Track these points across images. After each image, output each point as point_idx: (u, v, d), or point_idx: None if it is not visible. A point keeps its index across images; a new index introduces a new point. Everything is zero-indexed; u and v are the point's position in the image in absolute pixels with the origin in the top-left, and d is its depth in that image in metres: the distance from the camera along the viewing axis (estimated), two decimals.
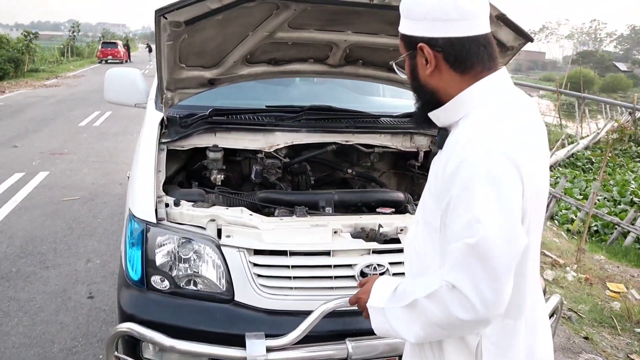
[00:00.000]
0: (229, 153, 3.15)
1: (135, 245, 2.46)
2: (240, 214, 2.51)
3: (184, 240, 2.41)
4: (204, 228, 2.46)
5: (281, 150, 3.14)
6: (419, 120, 1.59)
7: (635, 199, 9.40)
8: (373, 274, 2.43)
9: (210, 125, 3.00)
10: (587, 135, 18.18)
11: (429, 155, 3.41)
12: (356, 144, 3.23)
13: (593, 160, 13.49)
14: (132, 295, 2.43)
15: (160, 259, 2.43)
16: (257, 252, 2.39)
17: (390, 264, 2.47)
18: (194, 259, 2.42)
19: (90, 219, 5.88)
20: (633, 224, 7.59)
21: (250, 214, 2.51)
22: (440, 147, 1.47)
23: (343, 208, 2.87)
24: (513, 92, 1.46)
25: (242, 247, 2.37)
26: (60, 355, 3.38)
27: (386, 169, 3.73)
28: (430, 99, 1.48)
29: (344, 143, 3.19)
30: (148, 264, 2.42)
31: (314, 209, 2.74)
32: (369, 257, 2.47)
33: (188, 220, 2.50)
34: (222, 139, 3.06)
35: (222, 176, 3.02)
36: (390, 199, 2.91)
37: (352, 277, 2.45)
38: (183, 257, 2.42)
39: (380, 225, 2.55)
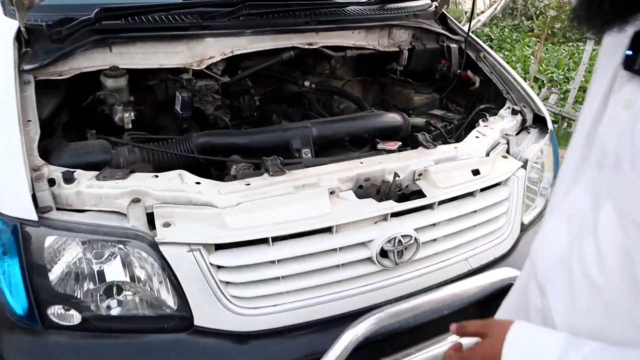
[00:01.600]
0: (136, 76, 2.06)
1: (7, 256, 1.45)
2: (180, 182, 1.54)
3: (91, 240, 1.44)
4: (123, 215, 1.48)
5: (216, 66, 2.10)
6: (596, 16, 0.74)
7: (539, 76, 9.17)
8: (398, 251, 1.63)
9: (100, 36, 1.89)
10: (483, 12, 17.91)
11: (412, 56, 2.53)
12: (322, 47, 2.26)
13: (492, 37, 13.24)
14: (19, 342, 1.47)
15: (56, 275, 1.45)
16: (220, 246, 1.49)
17: (417, 230, 1.67)
18: (116, 270, 1.47)
19: None
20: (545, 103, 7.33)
21: (197, 182, 1.55)
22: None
23: (324, 148, 1.97)
24: None
25: (195, 243, 1.45)
26: None
27: (350, 76, 2.80)
28: None
29: (306, 47, 2.21)
30: (37, 286, 1.44)
31: (283, 153, 1.82)
32: (387, 225, 1.64)
33: (93, 203, 1.50)
34: (122, 55, 1.97)
35: (132, 114, 1.96)
36: (390, 126, 2.05)
37: (369, 260, 1.64)
38: (96, 268, 1.46)
39: (396, 174, 1.70)
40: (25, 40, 1.86)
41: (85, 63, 1.92)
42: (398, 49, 2.45)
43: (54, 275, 1.44)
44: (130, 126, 1.95)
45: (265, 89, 2.57)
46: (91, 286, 1.46)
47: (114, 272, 1.46)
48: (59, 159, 1.66)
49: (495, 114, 2.18)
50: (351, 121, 2.01)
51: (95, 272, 1.46)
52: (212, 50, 2.05)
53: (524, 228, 2.01)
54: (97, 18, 1.88)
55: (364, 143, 2.04)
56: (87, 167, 1.63)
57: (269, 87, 2.59)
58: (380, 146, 1.88)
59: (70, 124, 2.13)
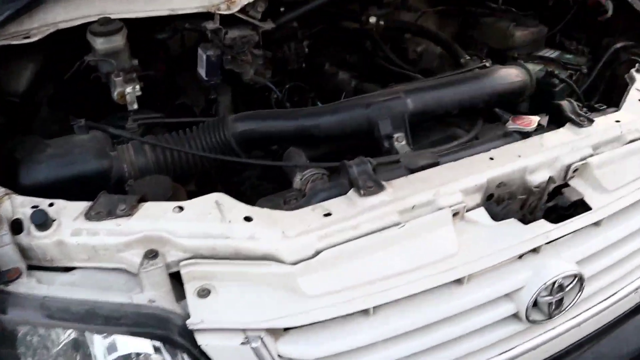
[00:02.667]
0: (139, 28, 1.42)
1: None
2: (220, 219, 0.95)
3: (85, 338, 0.88)
4: (133, 274, 0.92)
5: (254, 7, 1.43)
6: None
7: None
8: (557, 300, 1.05)
9: None
10: None
11: None
12: None
13: None
14: None
15: None
16: (291, 329, 0.92)
17: (580, 263, 1.08)
18: None
19: None
20: None
21: (247, 216, 0.96)
22: None
23: (423, 129, 1.34)
24: None
25: (254, 329, 0.88)
26: None
27: (426, 5, 2.08)
28: None
29: None
30: None
31: (365, 141, 1.22)
32: (538, 260, 1.06)
33: (86, 257, 0.93)
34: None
35: (138, 87, 1.34)
36: (512, 87, 1.41)
37: (513, 317, 1.06)
38: None
39: (551, 180, 1.10)
40: None
41: (63, 14, 1.29)
42: None
43: None
44: (135, 105, 1.33)
45: (312, 29, 1.89)
46: None
47: None
48: (30, 173, 1.09)
49: None
50: (461, 85, 1.35)
51: None
52: None
53: None
54: None
55: (474, 115, 1.40)
56: (75, 182, 1.06)
57: (318, 26, 1.90)
58: (511, 126, 1.24)
59: (59, 96, 1.54)
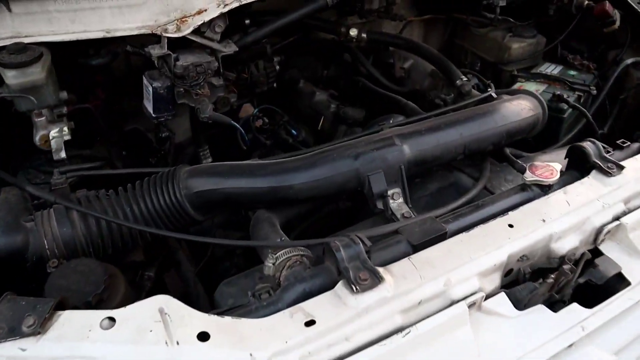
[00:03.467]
0: (65, 53, 1.14)
1: None
2: (167, 344, 0.70)
3: None
4: None
5: (211, 27, 1.16)
6: None
7: None
8: None
9: None
10: None
11: None
12: None
13: None
14: None
15: None
16: None
17: (619, 354, 0.87)
18: None
19: None
20: None
21: (202, 332, 0.71)
22: None
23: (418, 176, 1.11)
24: None
25: None
26: None
27: (411, 13, 1.83)
28: None
29: None
30: None
31: (353, 197, 0.98)
32: (570, 356, 0.84)
33: None
34: (33, 17, 1.07)
35: (66, 128, 1.07)
36: (524, 123, 1.18)
37: None
38: None
39: (586, 255, 0.88)
40: None
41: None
42: None
43: None
44: (62, 154, 1.06)
45: (283, 41, 1.62)
46: None
47: None
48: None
49: None
50: (467, 124, 1.09)
51: None
52: None
53: None
54: None
55: (480, 156, 1.17)
56: None
57: (290, 38, 1.64)
58: (530, 178, 1.01)
59: None
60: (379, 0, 1.66)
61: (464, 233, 0.90)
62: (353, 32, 1.55)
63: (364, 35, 1.55)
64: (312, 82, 1.67)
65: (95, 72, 1.27)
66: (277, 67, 1.50)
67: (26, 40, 1.03)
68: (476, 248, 0.87)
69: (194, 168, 0.99)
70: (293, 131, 1.46)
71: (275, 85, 1.53)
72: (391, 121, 1.23)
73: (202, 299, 1.11)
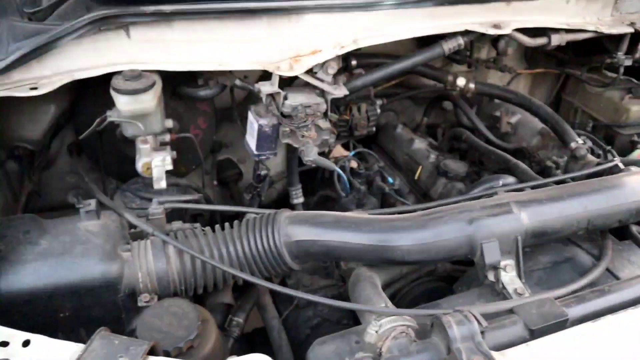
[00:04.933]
0: (176, 78, 1.15)
1: None
2: None
3: None
4: None
5: (324, 68, 1.13)
6: None
7: None
8: None
9: (108, 10, 0.97)
10: None
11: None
12: (516, 29, 1.24)
13: None
14: None
15: None
16: None
17: None
18: None
19: None
20: None
21: None
22: None
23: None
24: None
25: None
26: None
27: (519, 66, 1.74)
28: None
29: (488, 32, 1.19)
30: None
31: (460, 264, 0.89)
32: None
33: None
34: (150, 45, 1.07)
35: (169, 157, 1.06)
36: None
37: None
38: None
39: None
40: None
41: (81, 61, 1.01)
42: (633, 31, 1.38)
43: None
44: (163, 183, 1.04)
45: (383, 84, 1.58)
46: None
47: None
48: (13, 276, 0.85)
49: None
50: (592, 196, 0.98)
51: None
52: (317, 37, 1.08)
53: None
54: None
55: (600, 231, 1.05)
56: (73, 292, 0.80)
57: (394, 81, 1.59)
58: None
59: (80, 145, 1.31)
60: (488, 50, 1.59)
61: (589, 322, 0.79)
62: (461, 81, 1.48)
63: (471, 85, 1.48)
64: (410, 128, 1.61)
65: (200, 102, 1.26)
66: (379, 111, 1.45)
67: (141, 67, 1.03)
68: (602, 343, 0.76)
69: (296, 215, 0.94)
70: (390, 179, 1.40)
71: (374, 129, 1.48)
72: (501, 183, 1.14)
73: (286, 348, 1.06)
